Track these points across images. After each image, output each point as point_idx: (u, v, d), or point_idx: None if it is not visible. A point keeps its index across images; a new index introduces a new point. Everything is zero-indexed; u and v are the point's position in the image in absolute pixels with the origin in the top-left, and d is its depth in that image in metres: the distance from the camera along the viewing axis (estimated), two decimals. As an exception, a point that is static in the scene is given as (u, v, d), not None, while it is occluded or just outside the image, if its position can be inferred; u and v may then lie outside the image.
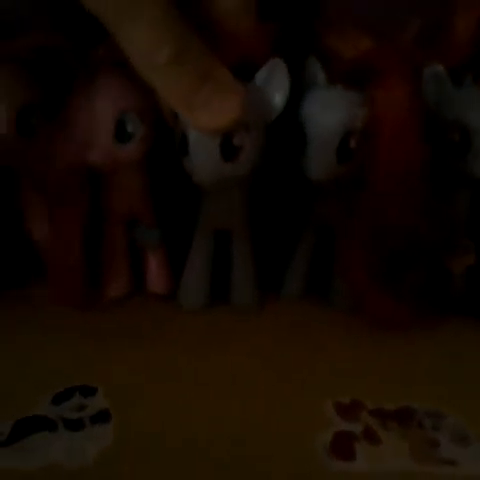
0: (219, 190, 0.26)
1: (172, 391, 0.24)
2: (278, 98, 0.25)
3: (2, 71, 0.25)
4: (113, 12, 0.20)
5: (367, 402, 0.24)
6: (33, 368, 0.25)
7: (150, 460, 0.21)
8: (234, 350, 0.27)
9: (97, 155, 0.25)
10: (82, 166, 0.25)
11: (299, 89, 0.25)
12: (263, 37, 0.24)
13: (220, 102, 0.22)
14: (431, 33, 0.28)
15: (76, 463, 0.21)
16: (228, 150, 0.24)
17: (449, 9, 0.28)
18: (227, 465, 0.21)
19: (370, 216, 0.25)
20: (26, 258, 0.29)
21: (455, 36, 0.28)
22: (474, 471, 0.21)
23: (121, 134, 0.25)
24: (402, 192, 0.25)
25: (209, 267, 0.29)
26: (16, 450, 0.21)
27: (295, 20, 0.27)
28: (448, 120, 0.27)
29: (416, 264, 0.26)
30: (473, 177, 0.27)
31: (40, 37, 0.24)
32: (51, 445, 0.21)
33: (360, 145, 0.25)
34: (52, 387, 0.24)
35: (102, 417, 0.22)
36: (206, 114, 0.22)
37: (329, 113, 0.25)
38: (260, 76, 0.24)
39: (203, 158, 0.24)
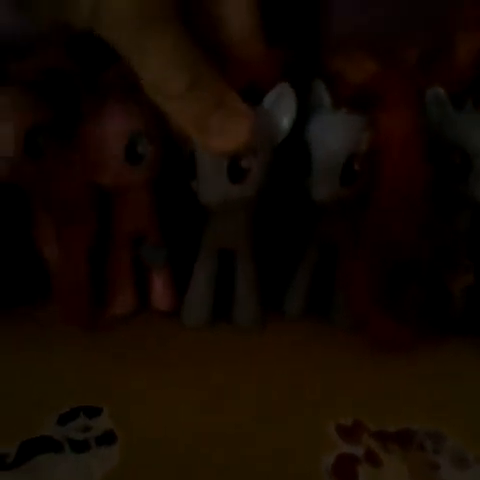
0: (225, 211, 0.26)
1: (177, 410, 0.24)
2: (285, 121, 0.25)
3: (11, 92, 0.25)
4: (126, 40, 0.21)
5: (368, 423, 0.24)
6: (38, 387, 0.25)
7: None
8: (236, 368, 0.27)
9: (108, 177, 0.25)
10: (93, 186, 0.25)
11: (305, 112, 0.26)
12: (271, 62, 0.25)
13: (231, 126, 0.22)
14: (432, 56, 0.29)
15: (82, 484, 0.21)
16: (235, 172, 0.24)
17: (451, 32, 0.29)
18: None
19: (374, 232, 0.25)
20: (36, 276, 0.29)
21: (456, 60, 0.28)
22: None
23: (131, 155, 0.25)
24: (406, 208, 0.25)
25: (212, 285, 0.29)
26: (23, 472, 0.21)
27: (301, 44, 0.27)
28: (449, 142, 0.27)
29: (417, 281, 0.27)
30: (474, 199, 0.27)
31: (49, 59, 0.24)
32: (57, 466, 0.21)
33: (364, 168, 0.25)
34: (57, 407, 0.24)
35: (107, 438, 0.23)
36: (217, 138, 0.22)
37: (333, 136, 0.25)
38: (268, 100, 0.25)
39: (211, 180, 0.24)
